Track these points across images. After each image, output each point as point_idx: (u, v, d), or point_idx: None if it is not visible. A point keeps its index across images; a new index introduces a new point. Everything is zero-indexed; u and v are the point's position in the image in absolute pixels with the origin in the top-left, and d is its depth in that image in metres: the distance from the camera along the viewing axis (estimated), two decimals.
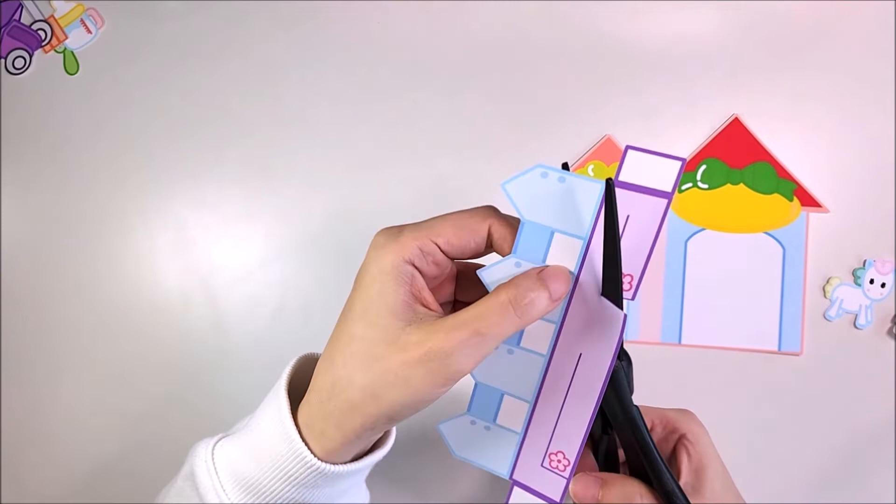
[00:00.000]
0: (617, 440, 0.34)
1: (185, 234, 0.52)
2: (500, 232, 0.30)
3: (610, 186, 0.27)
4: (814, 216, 0.49)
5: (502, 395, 0.32)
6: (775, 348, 0.49)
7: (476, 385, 0.32)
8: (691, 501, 0.31)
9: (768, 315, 0.49)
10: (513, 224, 0.30)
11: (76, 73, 0.53)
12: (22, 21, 0.53)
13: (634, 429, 0.31)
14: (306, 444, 0.30)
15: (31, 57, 0.53)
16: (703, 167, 0.49)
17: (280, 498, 0.30)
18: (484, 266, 0.30)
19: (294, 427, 0.30)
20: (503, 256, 0.30)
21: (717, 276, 0.49)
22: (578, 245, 0.28)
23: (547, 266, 0.29)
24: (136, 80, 0.53)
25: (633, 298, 0.28)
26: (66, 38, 0.53)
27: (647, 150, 0.27)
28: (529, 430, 0.31)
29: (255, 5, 0.52)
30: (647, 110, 0.50)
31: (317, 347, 0.50)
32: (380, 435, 0.32)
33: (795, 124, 0.49)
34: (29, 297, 0.52)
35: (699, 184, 0.49)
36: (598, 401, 0.29)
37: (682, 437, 0.35)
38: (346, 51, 0.52)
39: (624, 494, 0.31)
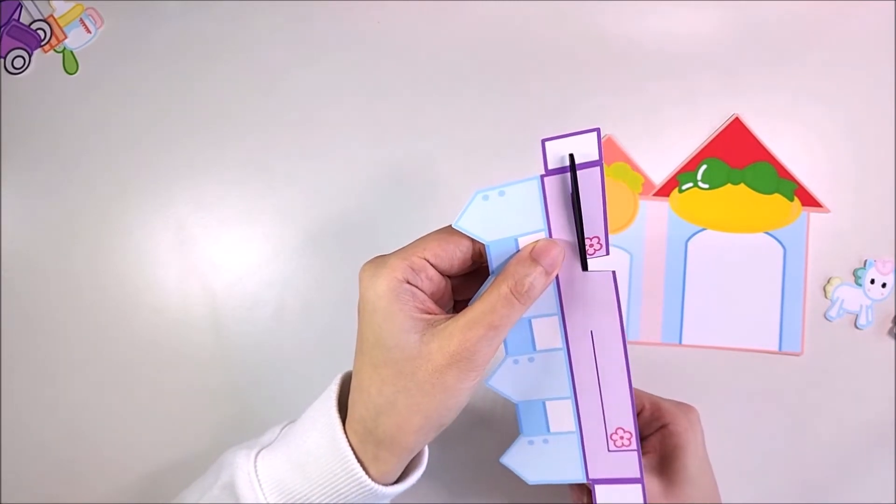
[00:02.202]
0: None
1: (184, 234, 0.52)
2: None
3: (572, 162, 0.29)
4: (814, 216, 0.49)
5: (544, 403, 0.33)
6: (775, 348, 0.49)
7: (517, 405, 0.33)
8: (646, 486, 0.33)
9: (769, 315, 0.49)
10: None
11: (75, 72, 0.53)
12: (21, 21, 0.53)
13: None
14: (362, 465, 0.31)
15: (30, 56, 0.53)
16: (704, 167, 0.49)
17: None
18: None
19: (349, 449, 0.31)
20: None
21: (718, 276, 0.49)
22: (542, 237, 0.30)
23: (537, 242, 0.30)
24: (135, 80, 0.52)
25: (607, 253, 0.31)
26: (66, 37, 0.53)
27: (562, 136, 0.29)
28: (583, 424, 0.32)
29: (255, 5, 0.52)
30: (647, 110, 0.50)
31: (317, 348, 0.50)
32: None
33: (796, 124, 0.49)
34: (29, 297, 0.52)
35: (700, 184, 0.49)
36: (626, 363, 0.31)
37: (664, 427, 0.36)
38: (346, 50, 0.52)
39: None
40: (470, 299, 0.31)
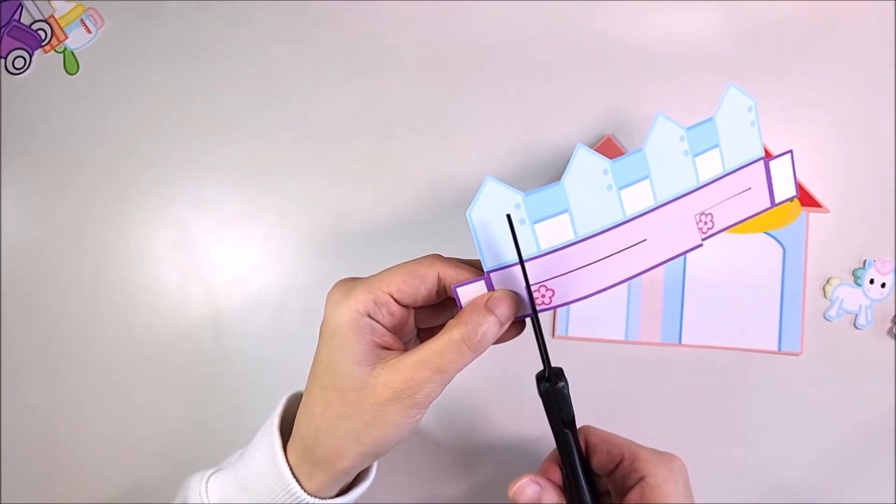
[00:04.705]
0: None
1: (185, 235, 0.52)
2: (449, 276, 0.31)
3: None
4: (814, 216, 0.49)
5: (566, 212, 0.31)
6: (775, 348, 0.49)
7: (558, 184, 0.31)
8: None
9: (768, 315, 0.49)
10: (459, 267, 0.31)
11: (76, 73, 0.53)
12: (22, 21, 0.53)
13: (565, 450, 0.33)
14: (297, 481, 0.32)
15: (31, 57, 0.53)
16: None
17: None
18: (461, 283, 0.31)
19: (286, 464, 0.32)
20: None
21: (717, 276, 0.49)
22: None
23: (493, 293, 0.30)
24: (136, 81, 0.53)
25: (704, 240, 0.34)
26: (66, 38, 0.53)
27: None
28: (548, 257, 0.31)
29: (255, 6, 0.52)
30: (646, 111, 0.50)
31: None
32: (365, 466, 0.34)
33: (796, 124, 0.49)
34: (29, 297, 0.52)
35: None
36: (617, 283, 0.31)
37: (642, 479, 0.34)
38: (346, 51, 0.52)
39: (530, 495, 0.33)
40: (432, 328, 0.32)
